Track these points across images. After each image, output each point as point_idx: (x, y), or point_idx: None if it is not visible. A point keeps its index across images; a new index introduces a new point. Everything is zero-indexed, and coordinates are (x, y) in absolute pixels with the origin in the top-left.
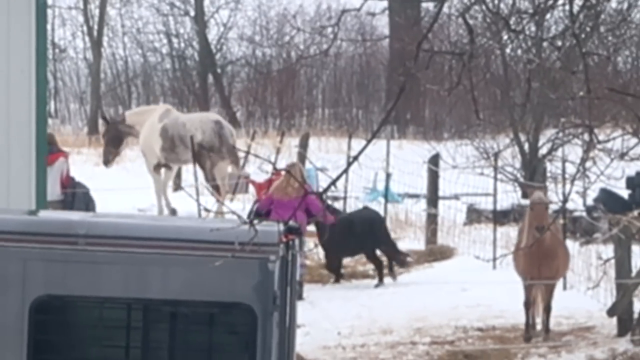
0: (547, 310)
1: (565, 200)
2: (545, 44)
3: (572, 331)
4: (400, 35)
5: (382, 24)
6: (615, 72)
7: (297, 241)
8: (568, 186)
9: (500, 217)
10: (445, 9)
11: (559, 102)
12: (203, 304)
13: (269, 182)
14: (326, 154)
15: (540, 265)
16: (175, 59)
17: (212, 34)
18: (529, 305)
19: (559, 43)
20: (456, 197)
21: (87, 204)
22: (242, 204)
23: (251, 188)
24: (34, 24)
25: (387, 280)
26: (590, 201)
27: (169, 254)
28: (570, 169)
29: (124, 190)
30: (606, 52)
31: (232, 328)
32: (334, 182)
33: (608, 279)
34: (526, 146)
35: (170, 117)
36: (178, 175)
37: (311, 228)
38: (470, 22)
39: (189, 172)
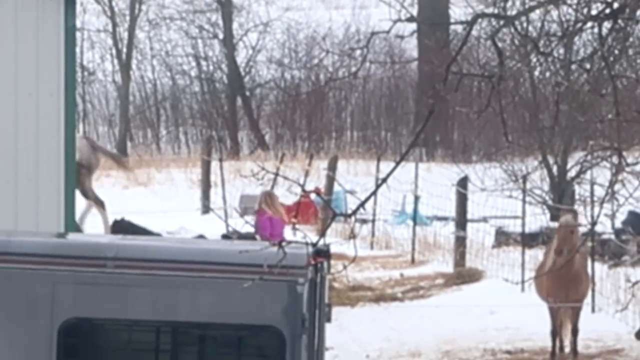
0: (575, 332)
1: (594, 223)
2: (574, 66)
3: (601, 354)
4: (429, 57)
5: (411, 47)
6: None
7: (325, 263)
8: (597, 209)
9: (528, 240)
10: (474, 32)
11: (588, 125)
12: (232, 327)
13: (298, 204)
14: (355, 177)
15: (568, 289)
16: (204, 82)
17: (241, 57)
18: (556, 332)
19: (588, 65)
20: (485, 219)
21: None
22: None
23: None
24: (62, 47)
25: (417, 302)
26: (618, 224)
27: (197, 276)
28: (599, 192)
29: (152, 213)
30: (635, 74)
31: (261, 351)
32: (362, 205)
33: (637, 301)
34: (555, 169)
35: None
36: (207, 197)
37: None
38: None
39: (218, 194)
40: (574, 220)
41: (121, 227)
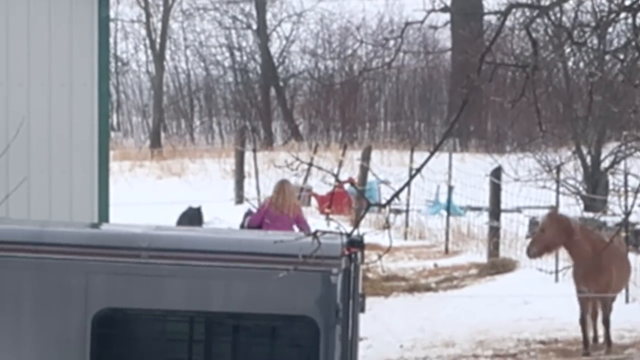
0: (606, 323)
1: (628, 213)
2: (607, 56)
3: (635, 344)
4: (462, 47)
5: (445, 37)
6: None
7: (359, 254)
8: (630, 199)
9: None
10: (508, 22)
11: (621, 115)
12: (265, 317)
13: (331, 195)
14: (388, 167)
15: (597, 279)
16: (237, 72)
17: (275, 47)
18: (584, 321)
19: (622, 56)
20: (518, 210)
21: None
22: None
23: (314, 201)
24: (96, 38)
25: (450, 292)
26: None
27: (231, 266)
28: (633, 182)
29: (186, 203)
30: None
31: (295, 341)
32: (396, 195)
33: None
34: (588, 159)
35: None
36: (240, 188)
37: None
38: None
39: (251, 185)
40: (553, 215)
41: (191, 215)
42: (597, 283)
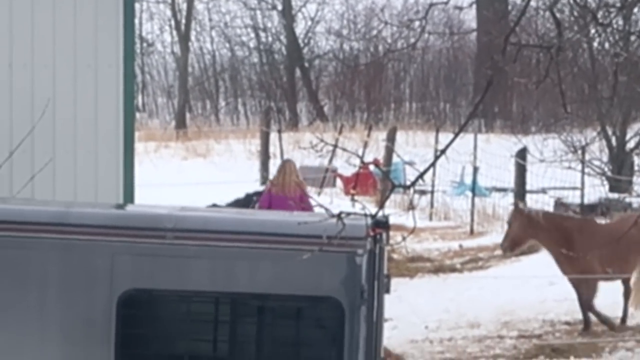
0: (586, 307)
1: None
2: (632, 37)
3: None
4: (487, 28)
5: (470, 18)
6: None
7: (384, 235)
8: None
9: (587, 211)
10: (532, 3)
11: None
12: (290, 298)
13: (357, 176)
14: (413, 148)
15: (565, 265)
16: (262, 53)
17: (300, 28)
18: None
19: None
20: (543, 190)
21: None
22: (330, 197)
23: (339, 182)
24: (121, 19)
25: (476, 273)
26: None
27: (256, 247)
28: None
29: (211, 184)
30: None
31: (320, 322)
32: (421, 176)
33: None
34: (613, 140)
35: None
36: (266, 169)
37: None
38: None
39: (276, 166)
40: (515, 209)
41: (244, 202)
42: (572, 268)
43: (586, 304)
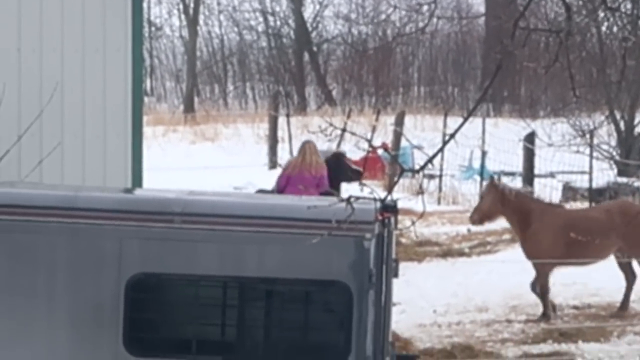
0: (541, 291)
1: None
2: None
3: None
4: (496, 12)
5: (478, 2)
6: None
7: (392, 219)
8: None
9: (596, 195)
10: None
11: None
12: (299, 282)
13: (365, 160)
14: (422, 132)
15: (523, 246)
16: (271, 37)
17: (308, 12)
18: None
19: None
20: (552, 175)
21: None
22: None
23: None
24: (130, 3)
25: (484, 257)
26: None
27: (265, 232)
28: None
29: (219, 168)
30: None
31: (328, 306)
32: (430, 160)
33: None
34: (622, 124)
35: None
36: (274, 153)
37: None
38: None
39: (285, 150)
40: (490, 184)
41: (336, 159)
42: (524, 250)
43: (541, 289)
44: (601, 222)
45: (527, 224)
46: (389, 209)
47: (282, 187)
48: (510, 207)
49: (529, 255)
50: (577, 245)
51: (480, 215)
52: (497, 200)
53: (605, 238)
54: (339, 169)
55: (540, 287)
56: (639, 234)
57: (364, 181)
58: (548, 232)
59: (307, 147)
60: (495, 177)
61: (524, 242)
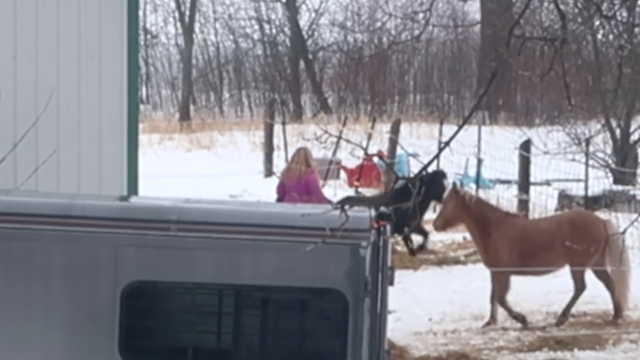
0: (499, 301)
1: None
2: (637, 29)
3: None
4: (492, 20)
5: (474, 10)
6: None
7: (388, 227)
8: None
9: (591, 203)
10: None
11: None
12: (294, 290)
13: (361, 167)
14: (417, 140)
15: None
16: (266, 45)
17: (304, 20)
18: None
19: None
20: (547, 183)
21: None
22: (334, 189)
23: (342, 174)
24: (125, 10)
25: (480, 265)
26: None
27: (260, 239)
28: None
29: (215, 175)
30: None
31: (324, 314)
32: (425, 168)
33: None
34: (618, 132)
35: None
36: (269, 161)
37: None
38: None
39: (280, 158)
40: (452, 190)
41: (435, 176)
42: (483, 259)
43: (498, 299)
44: (551, 233)
45: (486, 233)
46: (385, 216)
47: (281, 195)
48: (469, 214)
49: (487, 264)
50: (529, 255)
51: (442, 222)
52: (458, 206)
53: (554, 249)
54: (433, 187)
55: (498, 297)
56: (583, 244)
57: (359, 189)
58: (504, 242)
59: (296, 154)
60: (458, 183)
61: (484, 251)
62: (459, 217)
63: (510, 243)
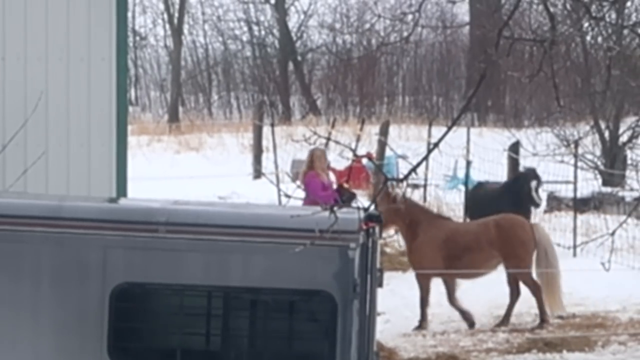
0: (451, 302)
1: None
2: (625, 31)
3: None
4: (480, 22)
5: (463, 11)
6: None
7: (377, 228)
8: None
9: (580, 205)
10: None
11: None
12: (283, 292)
13: (349, 169)
14: (406, 142)
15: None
16: (255, 47)
17: (293, 22)
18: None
19: None
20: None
21: None
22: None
23: (331, 175)
24: (114, 12)
25: None
26: None
27: (249, 241)
28: None
29: (204, 177)
30: None
31: (312, 315)
32: (414, 169)
33: None
34: (606, 134)
35: None
36: (258, 162)
37: None
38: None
39: (269, 159)
40: (384, 193)
41: (526, 175)
42: (409, 260)
43: (421, 300)
44: (478, 236)
45: (415, 235)
46: (373, 218)
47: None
48: (400, 216)
49: (413, 266)
50: (454, 257)
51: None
52: (389, 209)
53: (481, 251)
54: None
55: (420, 299)
56: (510, 247)
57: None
58: (430, 244)
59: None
60: (389, 184)
61: (409, 252)
62: (391, 219)
63: (435, 245)
